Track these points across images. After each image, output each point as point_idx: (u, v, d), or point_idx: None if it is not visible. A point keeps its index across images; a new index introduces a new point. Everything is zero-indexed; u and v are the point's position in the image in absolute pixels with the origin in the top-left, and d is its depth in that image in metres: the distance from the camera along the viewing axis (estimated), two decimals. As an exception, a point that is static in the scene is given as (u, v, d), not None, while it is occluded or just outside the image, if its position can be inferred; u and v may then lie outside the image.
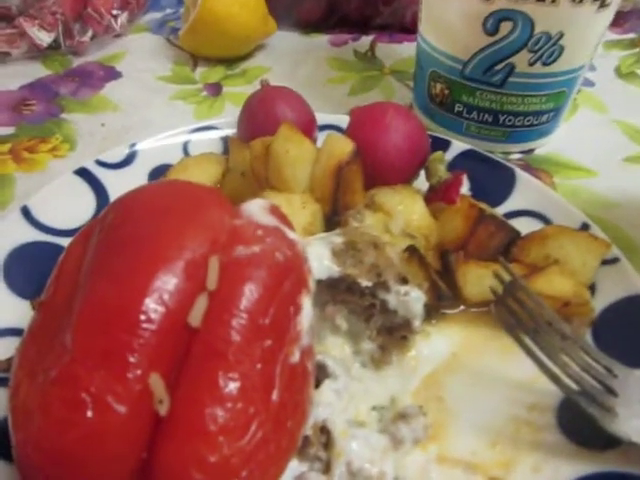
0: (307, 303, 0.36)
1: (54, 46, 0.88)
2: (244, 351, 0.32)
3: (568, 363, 0.41)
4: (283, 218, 0.39)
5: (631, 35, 1.03)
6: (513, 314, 0.41)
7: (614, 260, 0.51)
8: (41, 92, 0.82)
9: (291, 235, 0.38)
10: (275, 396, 0.33)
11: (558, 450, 0.41)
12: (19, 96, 0.81)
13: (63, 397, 0.29)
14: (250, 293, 0.33)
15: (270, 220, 0.38)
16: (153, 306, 0.31)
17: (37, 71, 0.87)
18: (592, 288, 0.51)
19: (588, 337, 0.48)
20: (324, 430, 0.38)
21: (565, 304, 0.47)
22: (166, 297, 0.32)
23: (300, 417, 0.35)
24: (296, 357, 0.35)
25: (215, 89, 0.84)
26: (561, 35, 0.62)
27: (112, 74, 0.87)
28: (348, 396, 0.41)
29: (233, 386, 0.31)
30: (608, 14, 0.63)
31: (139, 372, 0.30)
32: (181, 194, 0.39)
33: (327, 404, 0.39)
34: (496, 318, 0.41)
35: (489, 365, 0.47)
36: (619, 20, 1.04)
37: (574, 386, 0.41)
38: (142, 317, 0.31)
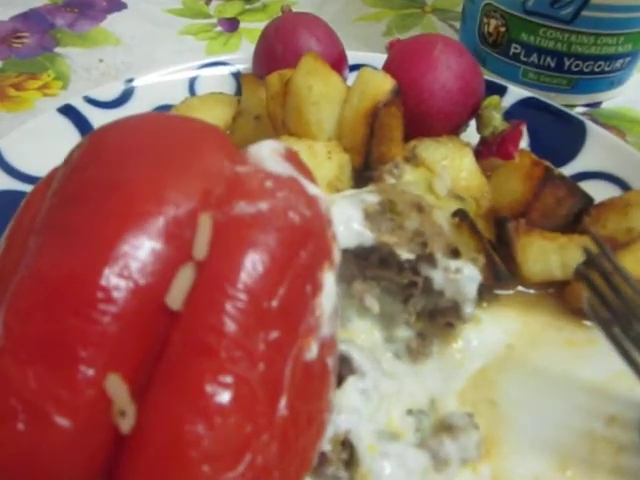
0: (330, 280, 0.27)
1: (52, -28, 0.78)
2: (241, 345, 0.23)
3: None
4: (302, 167, 0.30)
5: None
6: (603, 300, 0.31)
7: None
8: (35, 23, 0.73)
9: (312, 189, 0.28)
10: (282, 407, 0.24)
11: (645, 478, 0.32)
12: (10, 27, 0.72)
13: (-15, 403, 0.21)
14: (252, 265, 0.24)
15: (284, 168, 0.28)
16: (116, 280, 0.22)
17: (32, 0, 0.77)
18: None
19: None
20: (346, 444, 0.29)
21: (659, 290, 0.37)
22: (135, 268, 0.23)
23: (316, 431, 0.27)
24: (313, 352, 0.26)
25: (231, 24, 0.74)
26: (653, -45, 0.50)
27: (115, 5, 0.77)
28: (378, 398, 0.32)
29: (225, 394, 0.22)
30: None
31: (92, 372, 0.21)
32: (167, 130, 0.29)
33: (351, 410, 0.30)
34: (585, 305, 0.32)
35: (553, 362, 0.38)
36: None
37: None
38: (99, 295, 0.22)
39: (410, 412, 0.34)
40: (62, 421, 0.21)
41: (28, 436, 0.21)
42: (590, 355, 0.38)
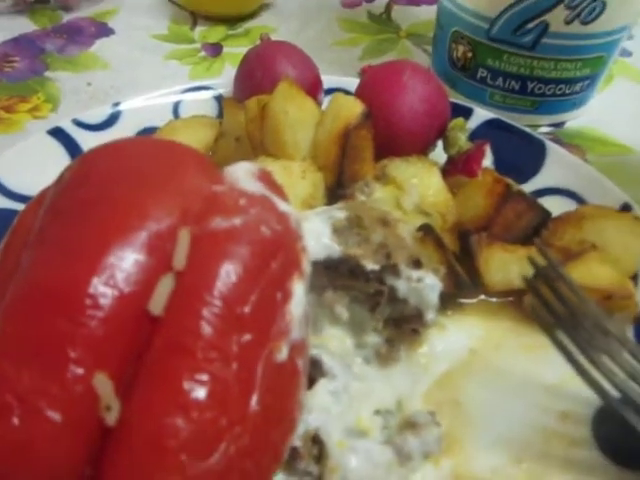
0: (299, 289, 0.30)
1: (42, -1, 0.82)
2: (216, 347, 0.26)
3: (611, 367, 0.34)
4: (274, 186, 0.33)
5: (672, 2, 0.94)
6: (549, 307, 0.34)
7: (661, 247, 0.44)
8: (25, 48, 0.75)
9: (282, 206, 0.31)
10: (254, 402, 0.26)
11: (594, 469, 0.35)
12: (1, 51, 0.75)
13: (-17, 400, 0.23)
14: (227, 275, 0.27)
15: (258, 187, 0.31)
16: (102, 288, 0.25)
17: (23, 26, 0.80)
18: (634, 279, 0.44)
19: (630, 336, 0.41)
20: (317, 440, 0.32)
21: (607, 297, 0.40)
22: (120, 277, 0.25)
23: (287, 427, 0.29)
24: (283, 354, 0.29)
25: (214, 49, 0.77)
26: (604, -12, 0.54)
27: (103, 31, 0.80)
28: (347, 398, 0.35)
29: (201, 390, 0.25)
30: (659, -35, 0.55)
31: (81, 370, 0.24)
32: (150, 152, 0.32)
33: (321, 409, 0.33)
34: (530, 311, 0.35)
35: (513, 365, 0.41)
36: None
37: (616, 394, 0.34)
38: (88, 301, 0.24)
39: (378, 412, 0.36)
40: (53, 415, 0.23)
41: (23, 429, 0.23)
42: (547, 358, 0.40)
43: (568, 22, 0.57)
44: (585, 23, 0.57)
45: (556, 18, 0.57)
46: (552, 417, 0.38)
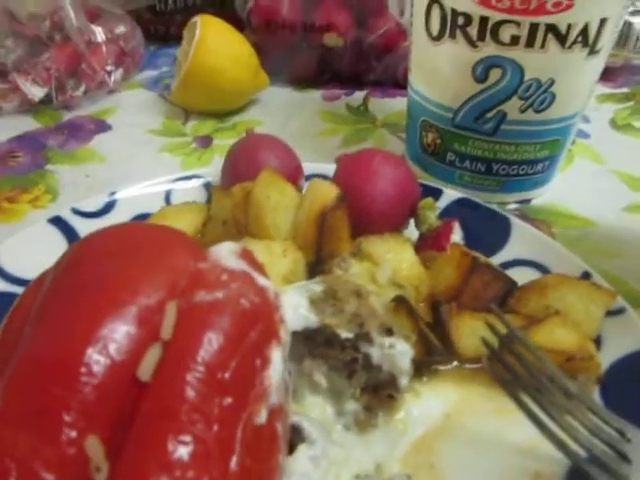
0: (277, 356, 0.33)
1: (46, 100, 0.89)
2: (199, 409, 0.28)
3: (575, 426, 0.36)
4: (254, 263, 0.36)
5: (624, 89, 1.03)
6: (510, 369, 0.37)
7: (620, 311, 0.47)
8: (28, 144, 0.81)
9: (261, 281, 0.35)
10: (234, 464, 0.28)
11: (568, 528, 0.36)
12: (6, 148, 0.80)
13: (-17, 464, 0.25)
14: (209, 343, 0.29)
15: (239, 264, 0.35)
16: (96, 357, 0.27)
17: (27, 124, 0.86)
18: (597, 341, 0.47)
19: (596, 396, 0.43)
20: (297, 504, 0.33)
21: (569, 359, 0.43)
22: (112, 347, 0.28)
23: (266, 489, 0.31)
24: (262, 417, 0.31)
25: (205, 141, 0.83)
26: (552, 82, 0.61)
27: (102, 127, 0.86)
28: (327, 463, 0.36)
29: (184, 451, 0.27)
30: (599, 61, 0.62)
31: (74, 434, 0.26)
32: (141, 236, 0.36)
33: (302, 474, 0.34)
34: (490, 374, 0.37)
35: (486, 428, 0.42)
36: (612, 75, 1.04)
37: (582, 452, 0.36)
38: (82, 370, 0.27)
39: (358, 477, 0.38)
40: (48, 476, 0.25)
41: (18, 491, 0.25)
42: (517, 420, 0.41)
43: (523, 110, 0.63)
44: (538, 111, 0.63)
45: (512, 107, 0.63)
46: (525, 477, 0.39)
